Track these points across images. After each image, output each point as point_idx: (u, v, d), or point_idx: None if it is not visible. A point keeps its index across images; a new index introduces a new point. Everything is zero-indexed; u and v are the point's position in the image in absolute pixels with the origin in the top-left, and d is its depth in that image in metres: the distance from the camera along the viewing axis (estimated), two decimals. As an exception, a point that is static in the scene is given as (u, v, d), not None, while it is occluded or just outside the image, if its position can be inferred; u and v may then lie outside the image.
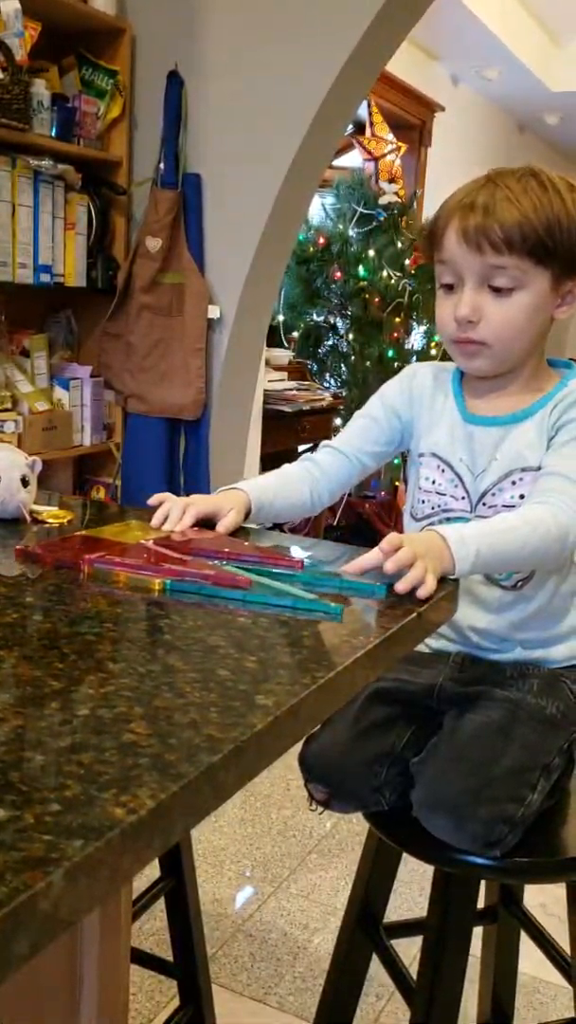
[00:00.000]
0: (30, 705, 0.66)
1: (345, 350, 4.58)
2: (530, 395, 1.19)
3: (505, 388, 1.21)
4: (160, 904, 1.40)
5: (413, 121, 5.45)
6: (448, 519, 1.20)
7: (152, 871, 1.41)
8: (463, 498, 1.20)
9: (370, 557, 0.98)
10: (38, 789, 0.55)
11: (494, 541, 1.03)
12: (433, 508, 1.22)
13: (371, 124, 4.75)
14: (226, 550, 1.03)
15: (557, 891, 1.26)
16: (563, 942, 1.27)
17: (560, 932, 1.29)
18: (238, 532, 1.15)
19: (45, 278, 2.59)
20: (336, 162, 4.87)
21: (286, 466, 1.31)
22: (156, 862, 1.41)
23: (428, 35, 5.02)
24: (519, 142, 7.32)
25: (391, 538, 0.98)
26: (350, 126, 4.57)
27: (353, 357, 4.53)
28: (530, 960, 1.49)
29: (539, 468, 1.14)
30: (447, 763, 1.09)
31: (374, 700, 1.22)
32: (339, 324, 4.60)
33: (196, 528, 1.12)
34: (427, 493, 1.23)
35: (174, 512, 1.13)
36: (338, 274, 4.40)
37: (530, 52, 5.60)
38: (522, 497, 1.15)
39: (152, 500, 1.16)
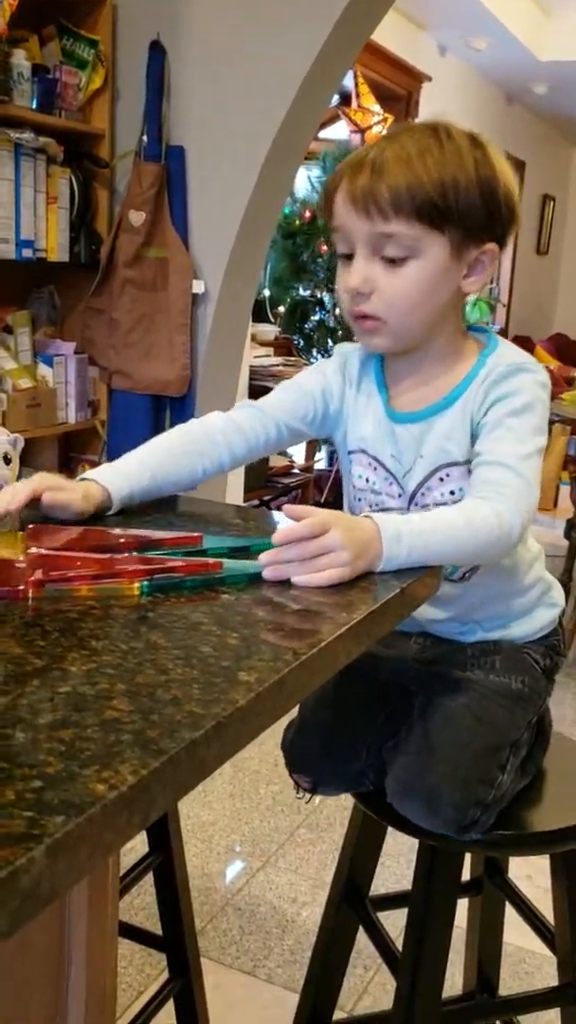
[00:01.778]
0: (11, 682, 0.65)
1: (332, 325, 4.56)
2: (449, 378, 1.10)
3: (422, 371, 1.12)
4: (150, 878, 1.41)
5: (400, 92, 5.41)
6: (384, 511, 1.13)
7: (141, 846, 1.42)
8: (399, 495, 1.13)
9: (295, 529, 0.91)
10: (19, 766, 0.55)
11: (430, 541, 0.95)
12: (370, 507, 1.15)
13: (357, 95, 4.72)
14: (122, 541, 0.94)
15: (541, 862, 1.27)
16: (547, 913, 1.29)
17: (544, 903, 1.30)
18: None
19: (27, 253, 2.56)
20: (322, 134, 4.83)
21: (174, 433, 1.16)
22: (144, 837, 1.41)
23: (415, 4, 4.97)
24: (507, 113, 7.28)
25: (317, 521, 0.90)
26: (336, 97, 4.53)
27: (340, 332, 4.51)
28: (515, 931, 1.50)
29: (466, 462, 1.07)
30: (417, 749, 1.09)
31: (346, 682, 1.17)
32: (325, 299, 4.58)
33: (50, 526, 0.99)
34: (362, 492, 1.16)
35: (3, 494, 1.00)
36: (324, 248, 4.37)
37: (519, 21, 5.56)
38: (452, 493, 1.09)
39: None
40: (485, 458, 1.04)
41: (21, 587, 0.82)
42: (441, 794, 1.04)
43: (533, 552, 1.20)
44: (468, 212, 1.02)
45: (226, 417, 1.18)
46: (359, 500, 1.17)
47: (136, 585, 0.85)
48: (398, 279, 1.04)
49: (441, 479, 1.10)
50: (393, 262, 1.04)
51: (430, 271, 1.04)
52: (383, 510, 1.13)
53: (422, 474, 1.11)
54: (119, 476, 1.07)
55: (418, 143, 1.02)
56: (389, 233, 1.02)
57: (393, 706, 1.19)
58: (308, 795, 1.24)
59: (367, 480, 1.15)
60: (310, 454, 4.55)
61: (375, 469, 1.15)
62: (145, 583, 0.85)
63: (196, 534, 0.99)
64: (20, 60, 2.44)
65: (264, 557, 0.91)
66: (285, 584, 0.90)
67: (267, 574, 0.90)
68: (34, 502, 1.00)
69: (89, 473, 1.07)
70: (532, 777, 1.18)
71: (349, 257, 1.07)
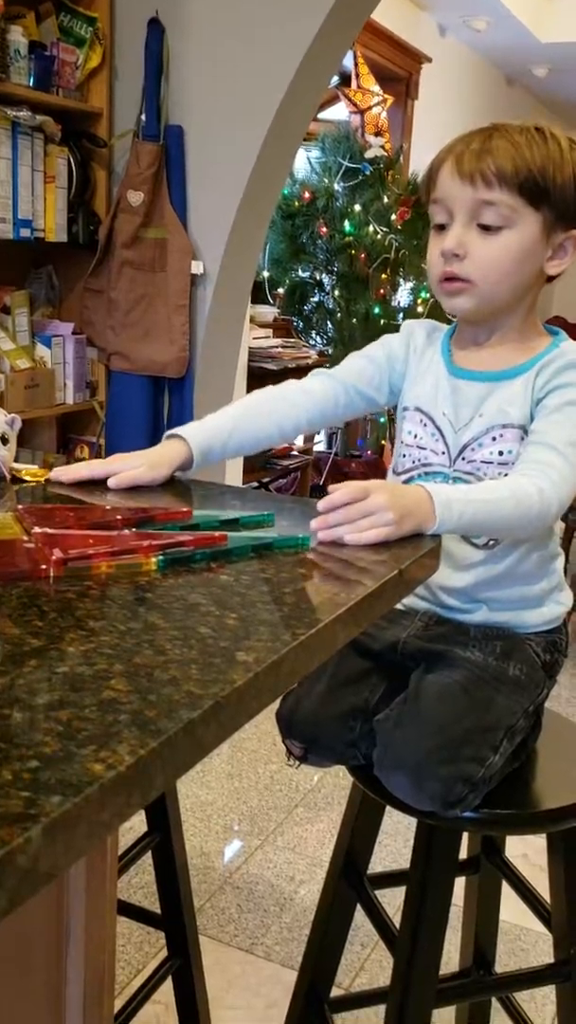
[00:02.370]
0: (9, 663, 0.66)
1: (331, 307, 4.55)
2: (520, 354, 1.17)
3: (494, 344, 1.19)
4: (148, 857, 1.42)
5: (400, 73, 5.36)
6: (427, 473, 1.19)
7: (140, 825, 1.43)
8: (443, 452, 1.18)
9: (334, 497, 0.97)
10: (16, 746, 0.55)
11: (478, 509, 1.02)
12: (414, 462, 1.21)
13: (357, 76, 4.67)
14: (118, 517, 0.96)
15: (538, 841, 1.28)
16: (544, 891, 1.29)
17: (541, 881, 1.31)
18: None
19: (25, 233, 2.55)
20: (321, 115, 4.79)
21: (256, 394, 1.25)
22: (143, 816, 1.42)
23: (415, -17, 4.92)
24: (507, 95, 7.22)
25: (357, 486, 0.97)
26: (335, 77, 4.49)
27: (339, 314, 4.50)
28: (511, 909, 1.51)
29: (521, 427, 1.13)
30: (408, 723, 1.09)
31: (346, 653, 1.23)
32: (325, 280, 4.56)
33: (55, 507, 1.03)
34: (409, 447, 1.22)
35: (84, 470, 1.11)
36: (323, 229, 4.35)
37: (520, 2, 5.50)
38: (501, 453, 1.14)
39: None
40: (536, 438, 1.10)
41: (43, 566, 0.82)
42: (428, 768, 1.05)
43: (553, 550, 1.23)
44: (563, 196, 1.11)
45: (299, 384, 1.26)
46: (404, 456, 1.23)
47: (153, 560, 0.86)
48: (491, 245, 1.12)
49: (494, 438, 1.15)
50: (488, 229, 1.11)
51: (521, 243, 1.12)
52: (425, 465, 1.20)
53: (478, 430, 1.16)
54: (201, 431, 1.17)
55: (524, 135, 1.11)
56: (491, 200, 1.10)
57: (390, 680, 1.20)
58: (298, 762, 1.25)
59: (416, 436, 1.21)
60: (309, 436, 4.54)
61: (425, 425, 1.21)
62: (161, 557, 0.87)
63: (185, 508, 1.01)
64: (17, 37, 2.41)
65: (314, 523, 0.96)
66: (283, 564, 0.90)
67: (321, 536, 0.96)
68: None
69: (174, 430, 1.16)
70: (522, 761, 1.18)
71: (441, 228, 1.15)
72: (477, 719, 1.09)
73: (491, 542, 1.17)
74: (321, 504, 0.98)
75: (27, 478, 1.14)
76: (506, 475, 1.12)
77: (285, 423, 1.23)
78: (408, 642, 1.21)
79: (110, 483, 1.09)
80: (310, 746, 1.22)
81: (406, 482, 1.19)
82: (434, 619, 1.22)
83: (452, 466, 1.18)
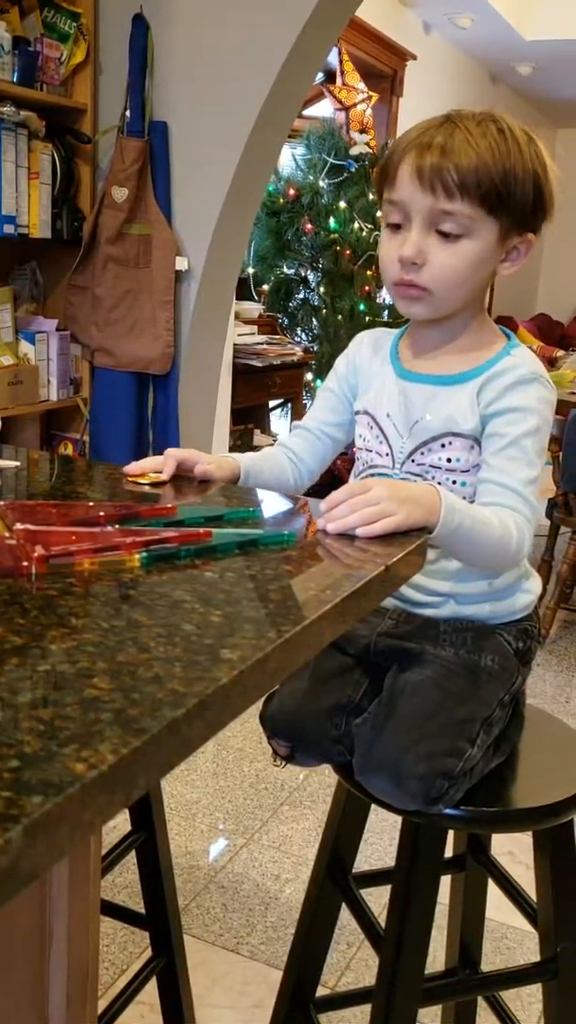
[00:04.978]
0: (-10, 661, 0.65)
1: (316, 303, 4.54)
2: (469, 358, 1.16)
3: (444, 345, 1.18)
4: (133, 857, 1.41)
5: (385, 70, 5.37)
6: (373, 475, 1.20)
7: (124, 824, 1.42)
8: (387, 454, 1.19)
9: (335, 496, 0.99)
10: (-3, 745, 0.54)
11: (473, 527, 1.03)
12: (363, 465, 1.22)
13: (342, 72, 4.67)
14: (101, 514, 0.96)
15: (524, 839, 1.28)
16: (530, 889, 1.29)
17: (526, 879, 1.31)
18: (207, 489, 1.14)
19: (9, 229, 2.53)
20: (306, 112, 4.79)
21: (268, 449, 1.31)
22: (127, 815, 1.41)
23: (400, -20, 4.92)
24: (492, 93, 7.24)
25: (355, 484, 0.99)
26: (320, 74, 4.48)
27: (324, 310, 4.49)
28: (497, 907, 1.51)
29: (471, 437, 1.13)
30: (383, 725, 1.09)
31: (327, 650, 1.22)
32: (310, 277, 4.55)
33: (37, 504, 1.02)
34: (359, 451, 1.24)
35: (153, 462, 1.14)
36: (309, 226, 4.35)
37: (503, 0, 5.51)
38: (449, 460, 1.15)
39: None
40: (497, 477, 1.11)
41: (25, 563, 0.81)
42: (406, 766, 1.05)
43: None
44: (521, 202, 1.10)
45: (286, 448, 1.31)
46: (358, 459, 1.24)
47: (137, 556, 0.85)
48: (450, 254, 1.10)
49: (443, 444, 1.15)
50: (447, 237, 1.10)
51: (479, 251, 1.11)
52: (372, 467, 1.21)
53: (428, 435, 1.16)
54: (246, 456, 1.22)
55: (482, 130, 1.08)
56: (450, 211, 1.08)
57: (372, 675, 1.20)
58: (285, 762, 1.25)
59: (364, 439, 1.23)
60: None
61: (371, 428, 1.21)
62: (144, 554, 0.86)
63: (170, 505, 1.00)
64: (0, 32, 2.40)
65: (320, 520, 0.97)
66: (268, 561, 0.90)
67: (330, 527, 0.96)
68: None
69: (233, 455, 1.22)
70: (507, 755, 1.18)
71: (397, 227, 1.13)
72: (451, 713, 1.08)
73: None
74: (324, 503, 0.99)
75: (143, 482, 1.12)
76: (455, 482, 1.15)
77: (293, 477, 1.30)
78: (379, 640, 1.20)
79: (197, 470, 1.14)
80: (296, 745, 1.22)
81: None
82: (404, 615, 1.21)
83: (398, 467, 1.18)
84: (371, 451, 1.21)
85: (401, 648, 1.18)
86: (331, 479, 4.58)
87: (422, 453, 1.16)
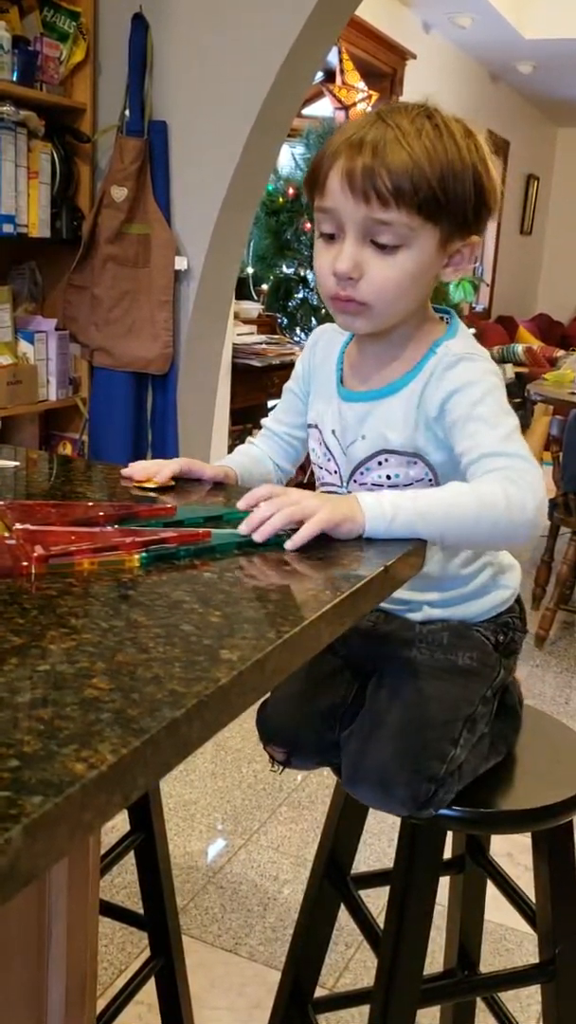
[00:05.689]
0: (-11, 661, 0.64)
1: (315, 303, 4.54)
2: (400, 365, 1.10)
3: (381, 353, 1.12)
4: (131, 857, 1.41)
5: (384, 69, 5.37)
6: (325, 492, 1.16)
7: (122, 825, 1.42)
8: (335, 472, 1.16)
9: (254, 493, 0.99)
10: (-4, 746, 0.54)
11: (431, 507, 0.96)
12: (319, 481, 1.19)
13: (341, 71, 4.67)
14: (100, 514, 0.96)
15: (523, 840, 1.28)
16: (528, 890, 1.29)
17: (525, 880, 1.31)
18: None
19: (8, 228, 2.53)
20: (306, 111, 4.79)
21: (251, 450, 1.29)
22: (126, 816, 1.41)
23: (400, -20, 4.92)
24: (492, 92, 7.24)
25: (271, 485, 1.00)
26: (320, 74, 4.48)
27: (323, 310, 4.49)
28: (496, 908, 1.51)
29: (405, 452, 1.08)
30: (366, 733, 1.09)
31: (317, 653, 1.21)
32: (309, 277, 4.55)
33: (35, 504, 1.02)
34: (313, 464, 1.21)
35: (153, 467, 1.12)
36: (308, 225, 4.35)
37: (503, -1, 5.51)
38: (389, 477, 1.09)
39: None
40: (472, 456, 1.02)
41: (25, 563, 0.81)
42: (391, 774, 1.05)
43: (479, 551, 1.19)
44: (461, 204, 1.02)
45: (258, 449, 1.29)
46: (313, 473, 1.22)
47: (136, 556, 0.85)
48: (388, 267, 1.03)
49: (380, 463, 1.10)
50: (383, 248, 1.02)
51: (419, 261, 1.04)
52: (324, 484, 1.18)
53: (363, 454, 1.11)
54: (235, 464, 1.21)
55: (416, 127, 1.00)
56: (386, 221, 1.01)
57: (361, 680, 1.19)
58: (282, 767, 1.25)
59: (315, 453, 1.20)
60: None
61: (320, 443, 1.18)
62: (144, 554, 0.85)
63: (170, 505, 1.00)
64: (0, 31, 2.39)
65: (243, 527, 0.93)
66: (267, 562, 0.90)
67: (256, 537, 0.92)
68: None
69: (221, 460, 1.22)
70: (504, 756, 1.18)
71: (331, 237, 1.05)
72: (432, 716, 1.08)
73: None
74: (242, 502, 0.98)
75: (149, 486, 1.11)
76: None
77: (275, 472, 1.28)
78: (355, 642, 1.19)
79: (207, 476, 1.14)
80: (292, 750, 1.21)
81: None
82: (382, 616, 1.20)
83: (345, 486, 1.14)
84: (321, 468, 1.18)
85: (382, 654, 1.17)
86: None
87: (361, 473, 1.12)
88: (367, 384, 1.13)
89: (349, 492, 1.10)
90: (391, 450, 1.09)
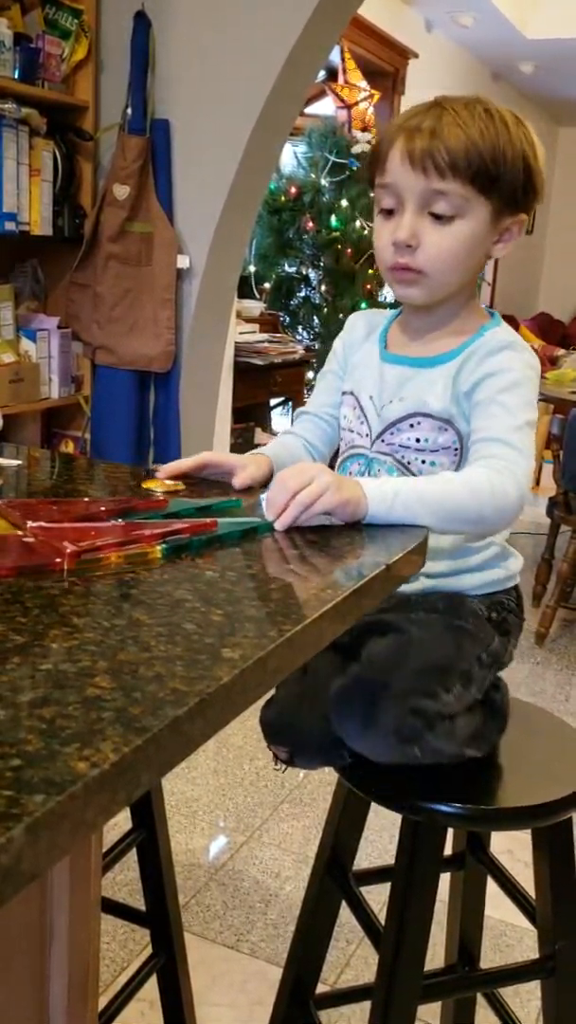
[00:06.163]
0: (-8, 660, 0.65)
1: (317, 302, 4.54)
2: (451, 340, 1.17)
3: (432, 328, 1.19)
4: (133, 854, 1.41)
5: (386, 68, 5.36)
6: (352, 456, 1.21)
7: (124, 822, 1.42)
8: (366, 435, 1.20)
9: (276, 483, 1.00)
10: (-1, 744, 0.54)
11: (423, 488, 1.01)
12: (346, 445, 1.23)
13: (344, 71, 4.67)
14: (102, 509, 0.97)
15: (523, 837, 1.28)
16: (528, 887, 1.29)
17: (524, 876, 1.31)
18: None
19: (10, 226, 2.53)
20: (308, 110, 4.79)
21: (285, 439, 1.31)
22: (128, 813, 1.41)
23: (402, -22, 4.91)
24: (493, 91, 7.22)
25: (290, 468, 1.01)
26: (322, 72, 4.48)
27: (326, 309, 4.50)
28: (496, 904, 1.51)
29: (440, 418, 1.13)
30: (355, 672, 1.11)
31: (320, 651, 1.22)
32: (311, 275, 4.55)
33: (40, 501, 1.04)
34: (343, 431, 1.25)
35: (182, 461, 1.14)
36: (310, 224, 4.34)
37: (505, -2, 5.50)
38: (418, 440, 1.15)
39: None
40: (480, 435, 1.09)
41: (58, 559, 0.82)
42: (378, 705, 1.06)
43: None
44: (512, 182, 1.10)
45: (297, 436, 1.30)
46: (341, 439, 1.25)
47: (158, 548, 0.87)
48: (444, 236, 1.10)
49: (412, 425, 1.15)
50: (440, 219, 1.10)
51: (473, 232, 1.11)
52: (353, 447, 1.22)
53: (396, 415, 1.16)
54: (270, 453, 1.20)
55: (470, 112, 1.08)
56: (443, 191, 1.08)
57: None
58: (286, 766, 1.25)
59: (347, 419, 1.23)
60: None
61: (354, 408, 1.22)
62: (164, 545, 0.87)
63: (162, 498, 1.03)
64: (2, 29, 2.40)
65: (269, 513, 0.98)
66: (269, 560, 0.90)
67: (276, 526, 0.97)
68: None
69: (253, 452, 1.21)
70: (485, 753, 1.17)
71: (390, 213, 1.13)
72: (426, 659, 1.09)
73: None
74: (272, 493, 1.00)
75: (157, 489, 1.10)
76: (424, 461, 1.14)
77: (313, 458, 1.29)
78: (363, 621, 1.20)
79: (236, 483, 1.12)
80: (295, 750, 1.22)
81: (340, 464, 1.24)
82: None
83: (371, 447, 1.19)
84: (352, 431, 1.22)
85: (376, 621, 1.17)
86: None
87: (391, 433, 1.16)
88: (411, 352, 1.19)
89: (374, 452, 1.18)
90: (426, 413, 1.14)
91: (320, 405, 1.31)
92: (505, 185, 1.09)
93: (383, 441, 1.17)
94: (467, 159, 1.07)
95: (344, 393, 1.25)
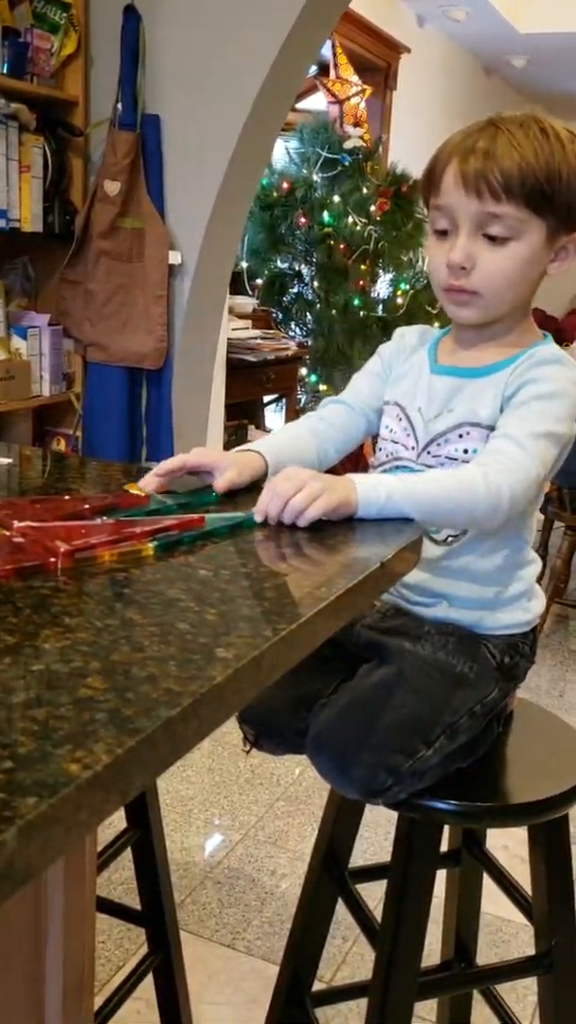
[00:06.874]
0: (-16, 660, 0.64)
1: (310, 298, 4.53)
2: (499, 353, 1.17)
3: (484, 344, 1.19)
4: (128, 853, 1.41)
5: (378, 63, 5.35)
6: (397, 467, 1.20)
7: (119, 821, 1.42)
8: (412, 448, 1.19)
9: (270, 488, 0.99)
10: (-9, 746, 0.54)
11: (414, 488, 1.01)
12: (387, 456, 1.22)
13: (335, 66, 4.65)
14: (86, 507, 0.97)
15: (519, 833, 1.28)
16: (524, 883, 1.29)
17: (520, 871, 1.31)
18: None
19: (0, 223, 2.52)
20: (300, 105, 4.77)
21: (292, 424, 1.29)
22: (123, 813, 1.41)
23: (393, -28, 4.90)
24: (486, 86, 7.22)
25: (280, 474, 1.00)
26: (314, 67, 4.47)
27: (318, 305, 4.48)
28: (492, 901, 1.51)
29: (489, 427, 1.12)
30: (341, 708, 1.09)
31: None
32: (304, 271, 4.54)
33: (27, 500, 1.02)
34: (384, 441, 1.23)
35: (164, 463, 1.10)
36: (303, 220, 4.33)
37: (497, -8, 5.49)
38: (466, 451, 1.14)
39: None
40: (498, 432, 1.10)
41: (52, 559, 0.82)
42: (353, 753, 1.05)
43: (523, 557, 1.20)
44: (567, 200, 1.10)
45: (319, 416, 1.27)
46: (380, 450, 1.24)
47: (150, 545, 0.87)
48: (499, 257, 1.11)
49: (460, 435, 1.15)
50: (494, 240, 1.10)
51: (527, 252, 1.11)
52: (396, 459, 1.21)
53: (447, 425, 1.16)
54: (267, 451, 1.16)
55: (525, 132, 1.09)
56: (497, 214, 1.09)
57: (348, 673, 1.18)
58: (250, 747, 1.24)
59: (390, 430, 1.23)
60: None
61: (399, 420, 1.22)
62: (156, 542, 0.88)
63: (144, 495, 1.03)
64: (-10, 24, 2.38)
65: (258, 515, 0.98)
66: (263, 559, 0.90)
67: (262, 519, 0.97)
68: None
69: (248, 445, 1.17)
70: (469, 763, 1.15)
71: (444, 233, 1.14)
72: (411, 711, 1.07)
73: (449, 538, 1.16)
74: (264, 501, 0.98)
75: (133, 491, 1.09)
76: None
77: (321, 454, 1.24)
78: (361, 632, 1.19)
79: (219, 486, 1.06)
80: (260, 734, 1.21)
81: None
82: (392, 610, 1.20)
83: (418, 459, 1.18)
84: (397, 443, 1.21)
85: (380, 643, 1.16)
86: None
87: (439, 444, 1.16)
88: (461, 361, 1.19)
89: (420, 464, 1.17)
90: (476, 423, 1.14)
91: (358, 398, 1.28)
92: (560, 204, 1.09)
93: (429, 453, 1.17)
94: (521, 181, 1.07)
95: (387, 403, 1.24)
